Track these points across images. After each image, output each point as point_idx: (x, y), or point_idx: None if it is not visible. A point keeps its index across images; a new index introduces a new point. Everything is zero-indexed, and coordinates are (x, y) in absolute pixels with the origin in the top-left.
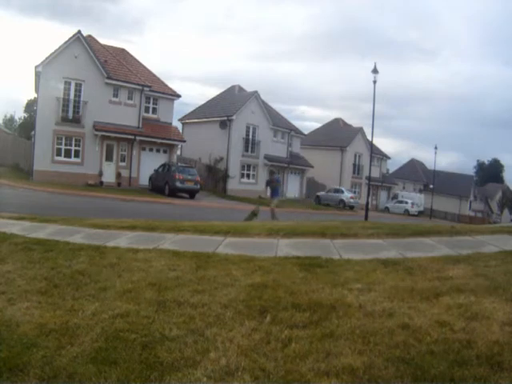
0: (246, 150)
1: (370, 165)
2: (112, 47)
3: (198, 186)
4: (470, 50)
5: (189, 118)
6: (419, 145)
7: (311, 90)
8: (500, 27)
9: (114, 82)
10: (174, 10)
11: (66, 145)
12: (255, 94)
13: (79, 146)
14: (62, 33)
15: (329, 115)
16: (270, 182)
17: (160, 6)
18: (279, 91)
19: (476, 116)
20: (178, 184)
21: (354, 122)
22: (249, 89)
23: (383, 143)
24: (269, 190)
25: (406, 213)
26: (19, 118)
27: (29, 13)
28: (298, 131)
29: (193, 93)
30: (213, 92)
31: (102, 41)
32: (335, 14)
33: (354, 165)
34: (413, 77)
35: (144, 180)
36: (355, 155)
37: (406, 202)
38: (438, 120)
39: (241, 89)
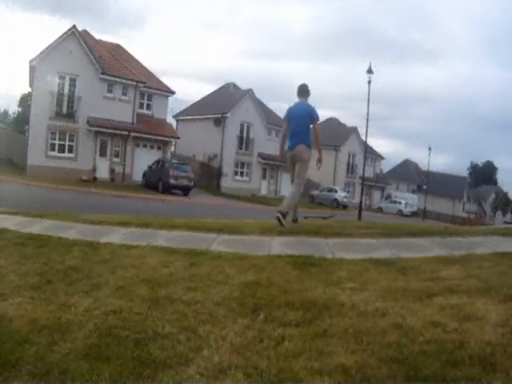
0: (240, 148)
1: (364, 164)
2: (107, 43)
3: (192, 183)
4: (470, 52)
5: (183, 115)
6: (415, 145)
7: (311, 90)
8: (500, 29)
9: (108, 78)
10: (174, 8)
11: (59, 140)
12: (250, 92)
13: (73, 141)
14: (59, 27)
15: (329, 115)
16: None
17: (160, 3)
18: (279, 91)
19: (472, 117)
20: (172, 181)
21: (354, 122)
22: (248, 87)
23: (378, 143)
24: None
25: (400, 213)
26: (13, 113)
27: (28, 7)
28: None
29: (189, 90)
30: (210, 90)
31: (102, 37)
32: (336, 14)
33: (348, 164)
34: (412, 77)
35: (138, 176)
36: (349, 155)
37: (400, 203)
38: (435, 121)
39: (235, 86)
